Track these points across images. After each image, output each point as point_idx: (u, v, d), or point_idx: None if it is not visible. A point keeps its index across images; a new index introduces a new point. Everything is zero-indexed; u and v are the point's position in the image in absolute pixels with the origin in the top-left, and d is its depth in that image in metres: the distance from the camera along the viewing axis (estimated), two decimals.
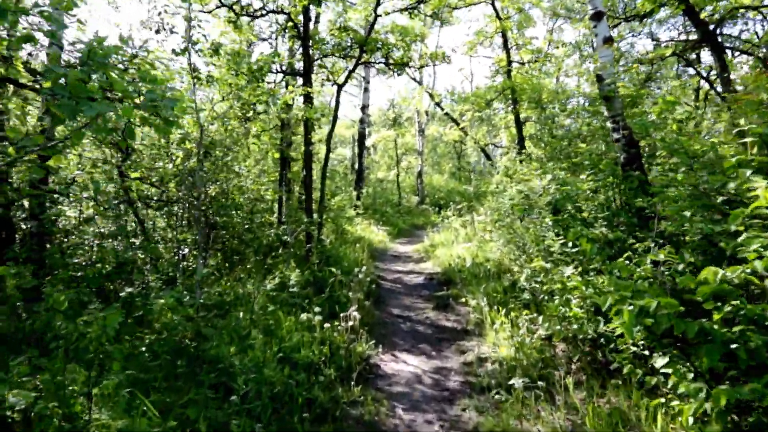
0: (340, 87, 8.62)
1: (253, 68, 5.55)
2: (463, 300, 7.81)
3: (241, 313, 5.57)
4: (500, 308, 6.48)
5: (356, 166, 22.82)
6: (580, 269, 4.39)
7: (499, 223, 11.25)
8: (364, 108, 22.15)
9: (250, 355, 4.68)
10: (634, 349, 4.04)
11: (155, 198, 7.71)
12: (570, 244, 4.65)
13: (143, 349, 4.66)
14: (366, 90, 22.44)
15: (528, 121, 14.86)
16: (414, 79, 14.36)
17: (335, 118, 8.76)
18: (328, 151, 8.60)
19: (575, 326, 4.45)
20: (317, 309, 5.16)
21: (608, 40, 6.52)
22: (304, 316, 5.19)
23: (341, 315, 5.90)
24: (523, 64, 13.68)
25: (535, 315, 6.04)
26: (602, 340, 4.41)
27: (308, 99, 7.94)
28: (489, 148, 28.83)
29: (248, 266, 8.06)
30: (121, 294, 5.59)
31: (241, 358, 4.59)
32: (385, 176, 29.74)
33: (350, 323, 5.88)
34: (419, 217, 23.85)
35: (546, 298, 5.79)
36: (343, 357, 5.17)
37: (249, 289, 5.81)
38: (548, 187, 4.92)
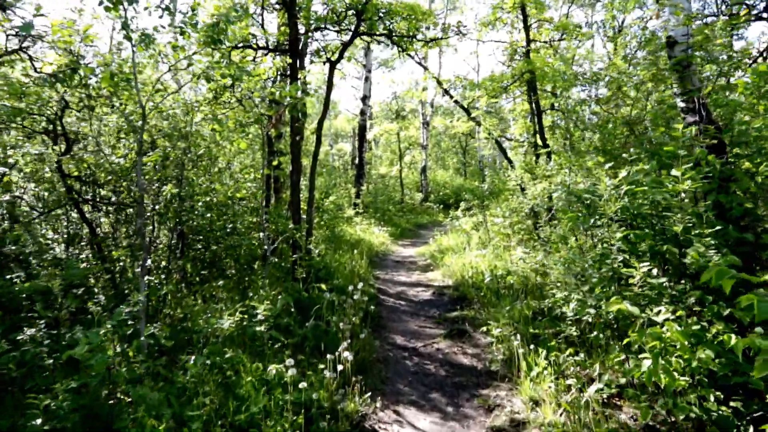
0: (333, 64, 7.14)
1: (212, 29, 4.10)
2: (482, 325, 6.33)
3: (194, 357, 4.11)
4: (535, 345, 5.01)
5: (356, 161, 21.34)
6: (678, 312, 2.93)
7: (518, 227, 9.77)
8: (364, 98, 20.65)
9: None
10: None
11: (106, 200, 6.23)
12: (655, 270, 3.18)
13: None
14: (367, 79, 20.96)
15: (546, 110, 13.34)
16: (420, 64, 12.85)
17: (327, 101, 7.26)
18: (318, 142, 7.12)
19: (668, 399, 2.96)
20: (290, 360, 3.68)
21: None
22: (273, 369, 3.72)
23: (328, 357, 4.43)
24: (545, 42, 12.11)
25: (584, 358, 4.58)
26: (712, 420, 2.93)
27: (293, 77, 6.47)
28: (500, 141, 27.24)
29: (221, 283, 6.58)
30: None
31: None
32: (388, 172, 28.23)
33: (340, 367, 4.42)
34: (423, 215, 22.36)
35: (603, 337, 4.31)
36: (327, 427, 3.69)
37: (212, 323, 4.35)
38: (616, 187, 3.43)
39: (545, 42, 12.18)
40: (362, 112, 20.66)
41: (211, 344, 4.04)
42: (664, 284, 3.09)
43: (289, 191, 7.40)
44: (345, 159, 32.63)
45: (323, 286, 6.59)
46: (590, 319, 4.30)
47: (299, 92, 5.34)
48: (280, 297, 5.55)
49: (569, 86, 10.73)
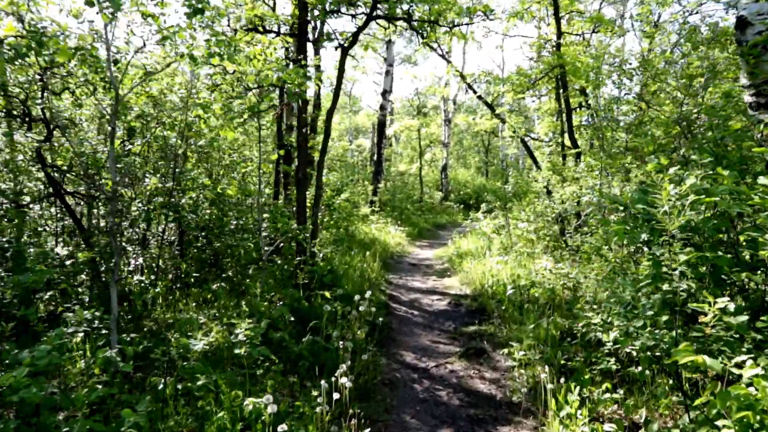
0: (345, 50, 6.50)
1: None
2: (503, 344, 5.65)
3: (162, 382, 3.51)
4: (564, 374, 4.32)
5: (374, 157, 20.71)
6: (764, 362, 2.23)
7: (543, 232, 9.03)
8: (384, 93, 19.99)
9: None
10: None
11: (80, 194, 5.68)
12: (731, 306, 2.47)
13: None
14: (387, 73, 20.29)
15: (575, 109, 12.52)
16: (443, 57, 12.15)
17: (338, 89, 6.61)
18: (327, 134, 6.48)
19: None
20: (268, 397, 3.05)
21: None
22: (249, 403, 3.09)
23: (323, 383, 3.79)
24: (577, 35, 11.28)
25: (623, 395, 3.88)
26: None
27: (297, 61, 5.84)
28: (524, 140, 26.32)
29: (215, 286, 6.01)
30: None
31: None
32: (407, 169, 27.50)
33: (336, 395, 3.78)
34: (442, 215, 21.62)
35: (650, 372, 3.60)
36: None
37: (183, 343, 3.73)
38: (679, 196, 2.72)
39: (578, 35, 11.34)
40: (382, 107, 20.01)
41: (181, 368, 3.44)
42: (744, 324, 2.39)
43: (296, 188, 6.79)
44: (364, 155, 32.00)
45: (327, 294, 5.97)
46: (635, 352, 3.59)
47: (302, 76, 4.71)
48: (276, 307, 4.95)
49: (599, 84, 9.95)
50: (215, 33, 3.93)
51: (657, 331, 2.82)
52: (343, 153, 18.52)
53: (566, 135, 13.69)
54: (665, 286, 2.76)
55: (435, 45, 12.31)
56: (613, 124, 10.44)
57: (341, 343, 4.73)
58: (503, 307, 6.48)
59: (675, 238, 2.76)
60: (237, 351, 3.63)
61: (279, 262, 6.83)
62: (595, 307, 4.48)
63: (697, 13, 13.68)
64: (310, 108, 11.74)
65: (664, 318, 2.79)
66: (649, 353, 3.25)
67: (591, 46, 16.53)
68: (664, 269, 2.76)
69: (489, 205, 11.58)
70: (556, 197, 8.41)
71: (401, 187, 22.32)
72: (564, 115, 13.38)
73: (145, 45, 3.97)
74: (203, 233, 7.26)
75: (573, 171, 8.70)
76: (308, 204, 7.58)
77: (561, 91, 11.01)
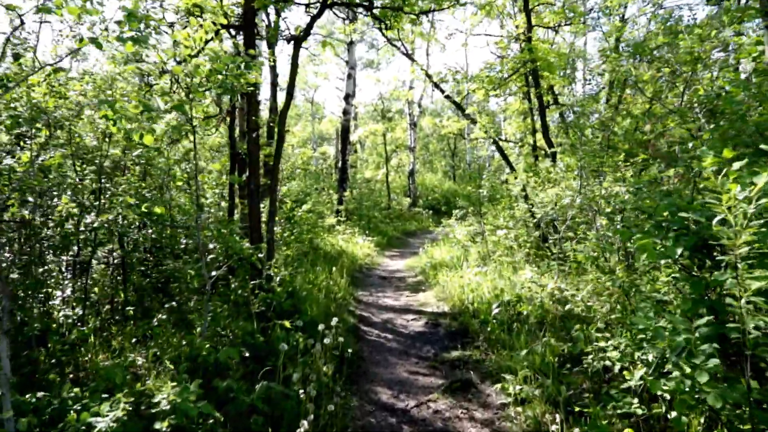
0: (298, 42, 5.64)
1: None
2: (492, 374, 4.90)
3: None
4: (570, 413, 3.59)
5: (339, 164, 19.87)
6: None
7: (523, 239, 8.38)
8: (347, 97, 19.21)
9: None
10: None
11: None
12: None
13: None
14: (350, 76, 19.52)
15: (547, 106, 12.02)
16: (406, 55, 11.45)
17: (292, 87, 5.72)
18: (281, 139, 5.61)
19: None
20: None
21: None
22: None
23: None
24: (550, 28, 10.73)
25: None
26: None
27: (249, 56, 4.97)
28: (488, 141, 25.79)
29: (156, 319, 5.06)
30: None
31: None
32: (374, 176, 26.73)
33: None
34: (411, 221, 20.93)
35: (686, 420, 2.88)
36: None
37: (84, 419, 2.81)
38: (747, 200, 2.01)
39: (549, 28, 10.80)
40: (345, 112, 19.20)
41: None
42: None
43: (247, 201, 5.90)
44: (329, 163, 31.09)
45: (287, 324, 5.10)
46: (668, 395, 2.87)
47: (239, 66, 3.84)
48: (223, 349, 4.06)
49: (572, 81, 9.41)
50: (128, 10, 3.06)
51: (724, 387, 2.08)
52: (305, 161, 17.58)
53: (538, 135, 13.20)
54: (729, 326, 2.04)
55: (398, 44, 11.60)
56: (586, 121, 9.92)
57: (303, 389, 3.88)
58: (488, 328, 5.73)
59: (738, 258, 2.05)
60: (159, 426, 2.74)
61: (234, 285, 5.92)
62: (606, 333, 3.77)
63: (662, 8, 13.42)
64: (265, 113, 10.83)
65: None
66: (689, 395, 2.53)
67: (556, 44, 16.15)
68: (729, 300, 2.04)
69: (462, 211, 10.88)
70: (536, 201, 7.76)
71: (368, 195, 21.52)
72: (535, 113, 12.88)
73: (23, 23, 3.05)
74: (148, 256, 6.30)
75: (554, 172, 8.07)
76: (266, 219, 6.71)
77: (533, 88, 10.44)
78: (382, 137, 25.30)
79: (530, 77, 11.00)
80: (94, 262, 5.49)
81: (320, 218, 14.43)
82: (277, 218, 8.29)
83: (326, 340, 4.68)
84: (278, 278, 5.78)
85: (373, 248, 13.85)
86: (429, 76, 11.27)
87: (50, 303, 5.37)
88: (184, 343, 4.38)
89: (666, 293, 3.52)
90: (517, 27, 10.47)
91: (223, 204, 8.82)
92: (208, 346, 4.12)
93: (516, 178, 9.15)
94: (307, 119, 36.98)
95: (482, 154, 31.07)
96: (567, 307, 5.43)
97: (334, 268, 8.85)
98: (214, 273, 5.18)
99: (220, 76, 3.68)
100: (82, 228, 4.84)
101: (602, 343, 4.03)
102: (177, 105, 3.53)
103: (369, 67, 36.54)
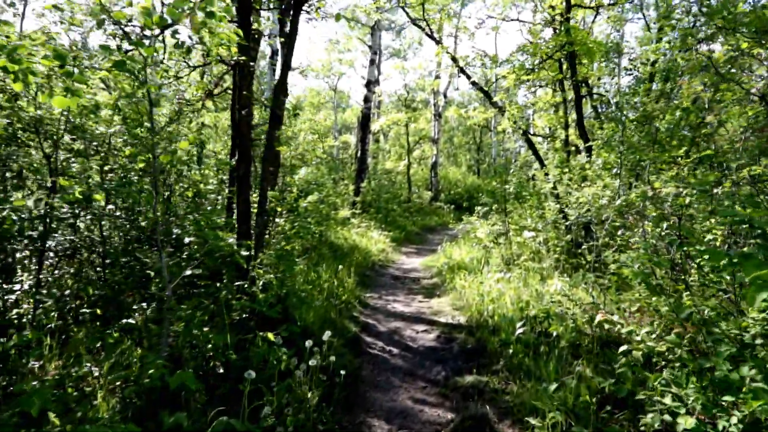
0: (298, 5, 4.80)
1: None
2: (512, 409, 4.03)
3: None
4: None
5: (358, 153, 19.05)
6: None
7: (553, 243, 7.44)
8: (369, 84, 18.34)
9: None
10: None
11: None
12: None
13: None
14: (372, 62, 18.65)
15: (585, 96, 10.97)
16: (430, 36, 10.52)
17: (290, 54, 4.82)
18: (274, 117, 4.79)
19: None
20: None
21: None
22: None
23: None
24: (591, 8, 9.65)
25: None
26: None
27: (244, 25, 4.15)
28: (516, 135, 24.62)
29: (117, 325, 4.31)
30: None
31: None
32: (395, 167, 25.83)
33: None
34: (432, 216, 20.01)
35: None
36: None
37: None
38: None
39: (591, 8, 9.72)
40: (366, 99, 18.35)
41: None
42: None
43: (236, 189, 5.11)
44: (350, 152, 30.28)
45: (270, 336, 4.30)
46: None
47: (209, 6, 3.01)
48: (177, 372, 3.27)
49: (610, 72, 8.38)
50: None
51: None
52: (324, 148, 16.78)
53: (570, 129, 12.13)
54: None
55: (423, 24, 10.69)
56: (628, 112, 8.87)
57: (277, 425, 3.09)
58: (510, 350, 4.84)
59: None
60: None
61: (215, 288, 5.14)
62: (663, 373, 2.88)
63: None
64: (259, 85, 10.06)
65: None
66: None
67: (593, 35, 14.98)
68: None
69: (485, 208, 9.95)
70: (571, 200, 6.80)
71: (387, 186, 20.67)
72: (569, 105, 11.85)
73: None
74: (107, 248, 5.47)
75: (590, 169, 7.10)
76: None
77: (569, 77, 9.43)
78: (405, 127, 24.40)
79: (565, 65, 10.00)
80: (51, 253, 4.76)
81: (334, 210, 13.66)
82: (280, 209, 7.51)
83: (312, 362, 3.87)
84: (261, 282, 4.97)
85: (389, 243, 13.03)
86: (455, 59, 10.32)
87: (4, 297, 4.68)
88: (135, 360, 3.62)
89: (756, 335, 2.62)
90: (552, 8, 9.44)
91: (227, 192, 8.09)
92: (162, 365, 3.34)
93: (546, 174, 8.20)
94: (330, 108, 36.24)
95: (509, 146, 29.90)
96: (607, 327, 4.54)
97: (341, 266, 8.05)
98: (188, 272, 4.41)
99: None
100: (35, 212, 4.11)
101: (659, 387, 3.13)
102: (118, 62, 2.71)
103: (396, 57, 35.56)
